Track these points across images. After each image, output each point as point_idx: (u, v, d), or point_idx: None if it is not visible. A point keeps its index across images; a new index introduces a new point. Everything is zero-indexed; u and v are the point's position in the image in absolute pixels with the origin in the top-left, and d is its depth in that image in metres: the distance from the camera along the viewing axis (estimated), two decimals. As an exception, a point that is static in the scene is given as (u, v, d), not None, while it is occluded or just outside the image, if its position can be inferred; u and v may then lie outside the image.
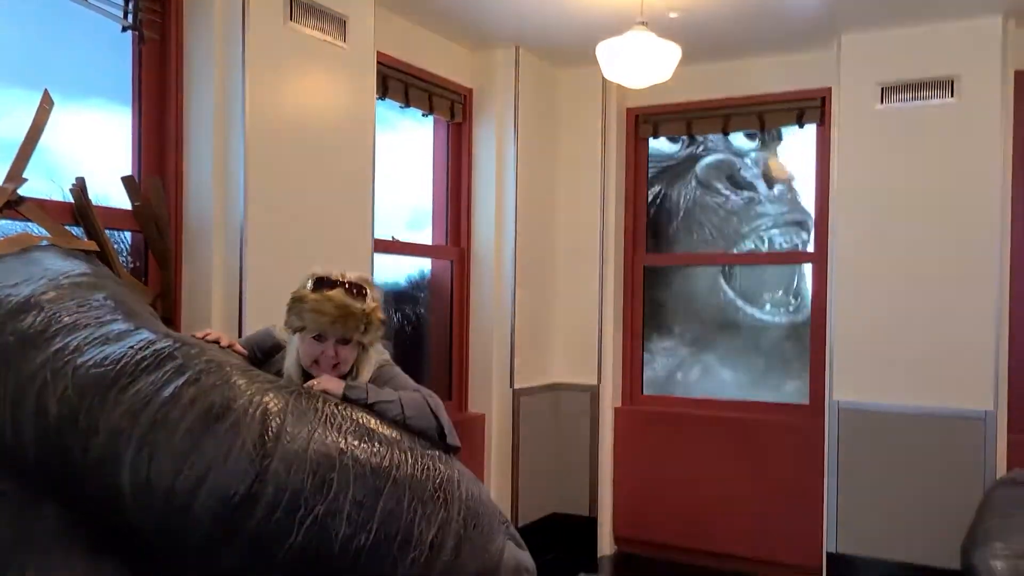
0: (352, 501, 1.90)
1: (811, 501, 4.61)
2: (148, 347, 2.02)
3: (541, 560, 4.89)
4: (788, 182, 5.15)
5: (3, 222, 2.64)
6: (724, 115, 5.07)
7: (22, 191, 2.67)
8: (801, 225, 5.06)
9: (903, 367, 4.33)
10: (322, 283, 2.25)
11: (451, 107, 4.74)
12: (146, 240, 3.10)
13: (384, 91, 4.24)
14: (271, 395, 1.98)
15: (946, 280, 4.26)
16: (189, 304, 3.17)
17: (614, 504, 5.18)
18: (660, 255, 5.40)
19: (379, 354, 2.38)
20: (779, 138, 5.18)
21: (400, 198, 4.70)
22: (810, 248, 4.95)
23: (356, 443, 1.96)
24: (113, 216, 3.02)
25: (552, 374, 5.19)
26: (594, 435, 5.10)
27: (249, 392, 1.94)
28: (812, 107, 4.81)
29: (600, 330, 5.11)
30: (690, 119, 5.17)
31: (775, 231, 5.15)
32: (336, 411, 2.03)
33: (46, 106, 2.75)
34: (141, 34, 3.14)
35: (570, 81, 5.21)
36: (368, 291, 2.27)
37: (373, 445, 1.99)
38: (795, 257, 5.05)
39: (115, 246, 2.98)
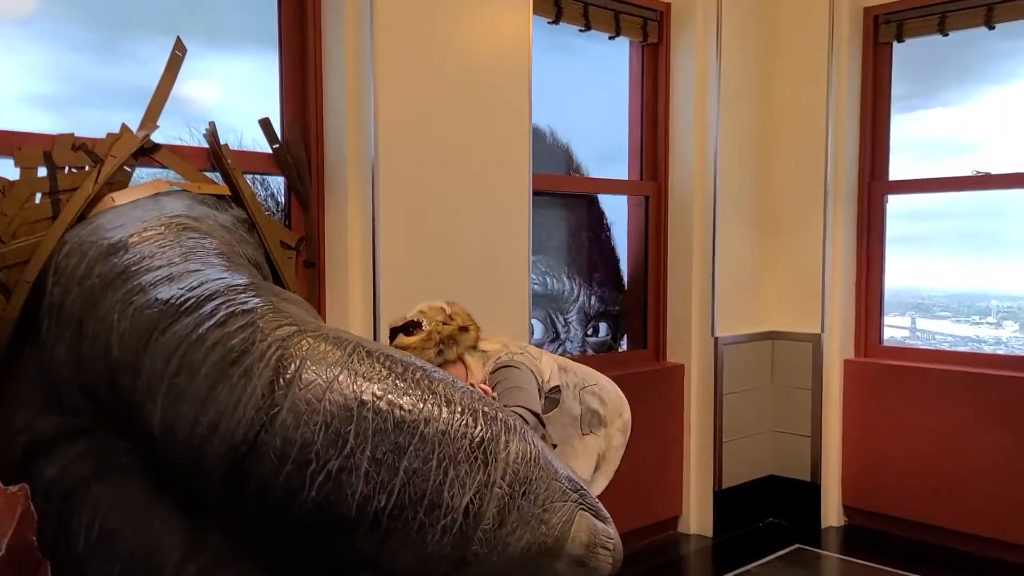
0: (370, 458, 1.70)
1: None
2: (197, 287, 1.94)
3: (752, 526, 4.45)
4: None
5: (141, 169, 2.75)
6: (988, 3, 4.11)
7: (159, 138, 2.76)
8: None
9: None
10: (392, 333, 2.47)
11: (643, 26, 4.29)
12: (288, 183, 3.12)
13: (558, 15, 3.93)
14: (308, 339, 1.81)
15: None
16: (331, 246, 3.15)
17: (843, 469, 4.53)
18: (905, 182, 4.55)
19: (496, 353, 2.44)
20: None
21: (589, 131, 4.39)
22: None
23: (380, 394, 1.75)
24: (256, 160, 3.06)
25: (766, 321, 4.62)
26: (817, 390, 4.48)
27: (272, 336, 1.80)
28: (1108, -19, 3.73)
29: (824, 272, 4.43)
30: (944, 13, 4.26)
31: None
32: (377, 361, 1.81)
33: (179, 53, 2.80)
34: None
35: (787, -17, 4.51)
36: (424, 321, 2.41)
37: (401, 397, 1.76)
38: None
39: (260, 191, 3.03)
